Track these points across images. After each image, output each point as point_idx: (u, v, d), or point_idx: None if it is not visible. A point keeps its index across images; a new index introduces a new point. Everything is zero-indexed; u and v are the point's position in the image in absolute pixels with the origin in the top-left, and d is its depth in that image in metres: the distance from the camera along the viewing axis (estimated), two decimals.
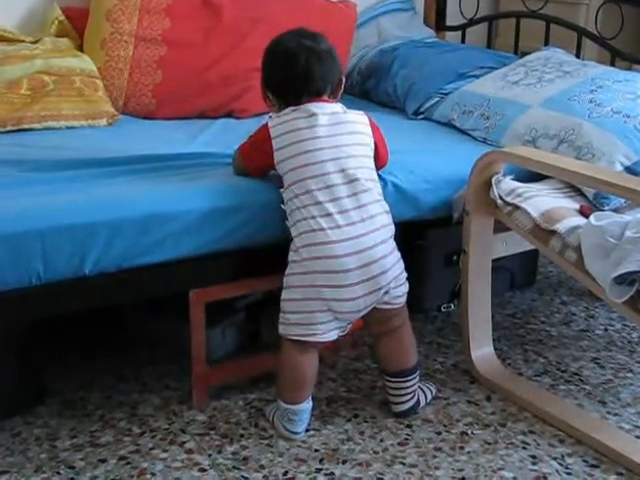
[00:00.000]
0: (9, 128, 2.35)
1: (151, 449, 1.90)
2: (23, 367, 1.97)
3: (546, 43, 3.06)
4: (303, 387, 1.94)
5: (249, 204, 1.98)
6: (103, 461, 1.85)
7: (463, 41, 3.42)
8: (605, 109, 2.33)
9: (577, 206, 2.11)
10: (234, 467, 1.84)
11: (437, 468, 1.86)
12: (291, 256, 1.90)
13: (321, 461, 1.87)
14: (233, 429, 1.98)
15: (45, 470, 1.81)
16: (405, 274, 1.97)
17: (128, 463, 1.84)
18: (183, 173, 2.06)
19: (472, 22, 3.40)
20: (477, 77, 2.80)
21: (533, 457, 1.90)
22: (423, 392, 2.08)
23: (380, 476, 1.82)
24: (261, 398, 2.10)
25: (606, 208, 2.15)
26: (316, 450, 1.91)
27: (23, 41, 2.60)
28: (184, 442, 1.92)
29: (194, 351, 1.99)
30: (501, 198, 2.10)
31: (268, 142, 1.92)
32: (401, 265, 1.96)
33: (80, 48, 2.66)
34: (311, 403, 1.96)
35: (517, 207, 2.07)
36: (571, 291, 2.80)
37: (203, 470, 1.83)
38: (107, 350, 2.31)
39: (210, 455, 1.88)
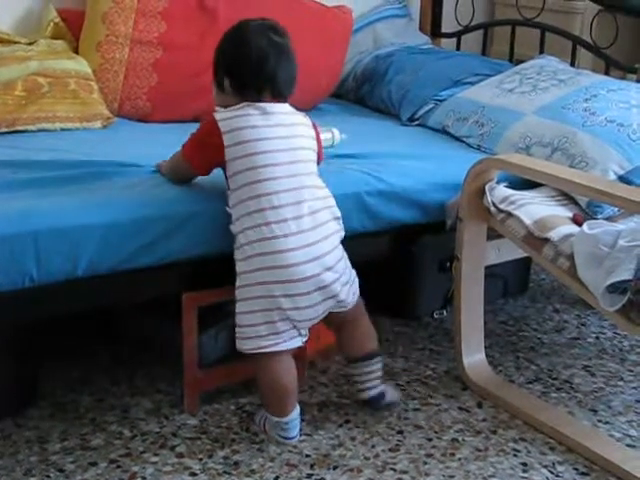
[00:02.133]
0: (3, 130, 2.34)
1: (142, 453, 1.89)
2: (16, 369, 1.96)
3: (541, 51, 3.08)
4: (288, 399, 1.91)
5: None
6: (93, 464, 1.84)
7: (458, 48, 3.44)
8: (599, 118, 2.34)
9: (570, 214, 2.12)
10: (225, 472, 1.84)
11: (428, 474, 1.86)
12: (240, 266, 1.85)
13: (312, 466, 1.87)
14: (224, 433, 1.97)
15: (35, 473, 1.80)
16: (354, 273, 1.96)
17: (119, 467, 1.84)
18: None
19: (467, 29, 3.42)
20: (472, 84, 2.82)
21: (524, 464, 1.90)
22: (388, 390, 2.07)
23: None
24: (252, 402, 2.10)
25: (599, 216, 2.15)
26: (307, 455, 1.90)
27: (18, 42, 2.59)
28: (175, 446, 1.92)
29: (186, 355, 1.99)
30: (494, 205, 2.10)
31: (217, 137, 1.84)
32: (350, 270, 1.95)
33: (76, 50, 2.66)
34: (298, 408, 1.95)
35: (510, 214, 2.08)
36: (563, 299, 2.81)
37: (194, 474, 1.82)
38: (99, 353, 2.31)
39: (201, 459, 1.88)
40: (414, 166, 2.31)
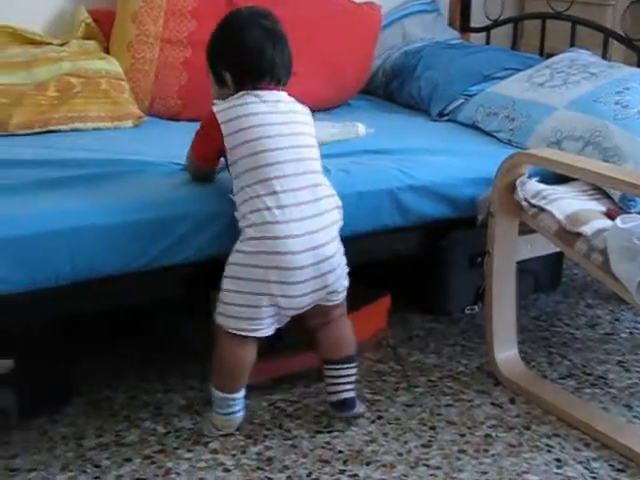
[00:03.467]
0: (37, 129, 2.37)
1: (176, 449, 1.91)
2: (51, 367, 1.99)
3: (572, 44, 3.05)
4: (242, 377, 1.90)
5: None
6: (128, 460, 1.86)
7: (488, 43, 3.41)
8: (632, 111, 2.31)
9: (603, 208, 2.10)
10: (258, 467, 1.85)
11: (461, 470, 1.85)
12: (238, 246, 1.83)
13: (345, 462, 1.87)
14: (257, 430, 1.98)
15: (72, 469, 1.82)
16: (347, 270, 1.93)
17: (153, 462, 1.85)
18: None
19: (497, 23, 3.39)
20: (502, 79, 2.80)
21: (558, 460, 1.89)
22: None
23: (404, 478, 1.82)
24: (284, 399, 2.11)
25: (632, 210, 2.14)
26: (340, 451, 1.91)
27: (51, 43, 2.62)
28: (208, 442, 1.93)
29: None
30: (526, 200, 2.09)
31: (216, 128, 1.86)
32: (344, 262, 1.92)
33: (107, 50, 2.68)
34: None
35: (542, 209, 2.06)
36: (596, 294, 2.79)
37: (227, 470, 1.83)
38: (130, 351, 2.33)
39: (234, 455, 1.89)
40: (444, 161, 2.30)
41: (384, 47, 3.12)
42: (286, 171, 1.82)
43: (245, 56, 1.90)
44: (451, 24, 3.46)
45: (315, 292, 1.86)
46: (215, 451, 1.90)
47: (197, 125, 2.53)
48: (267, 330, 1.87)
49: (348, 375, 1.98)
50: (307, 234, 1.81)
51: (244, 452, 1.90)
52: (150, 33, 2.61)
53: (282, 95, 1.93)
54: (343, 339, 1.98)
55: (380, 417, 2.05)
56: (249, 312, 1.83)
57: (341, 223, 1.92)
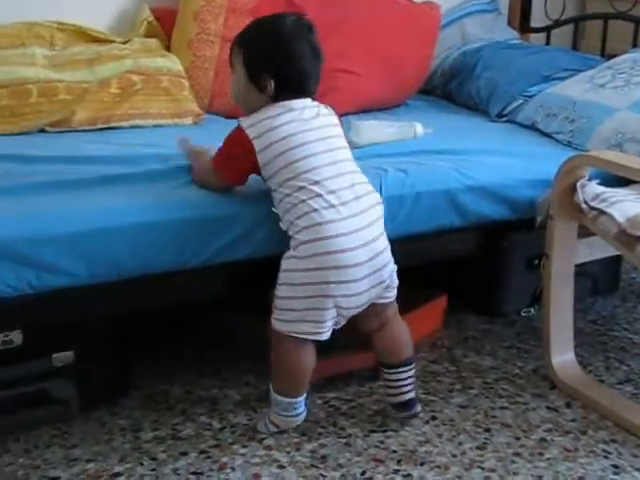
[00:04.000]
0: (99, 126, 2.41)
1: (231, 444, 1.92)
2: (111, 360, 2.02)
3: (634, 45, 3.01)
4: (304, 382, 1.91)
5: None
6: (184, 454, 1.88)
7: (548, 43, 3.38)
8: None
9: None
10: (312, 465, 1.85)
11: (516, 474, 1.84)
12: (290, 252, 1.82)
13: (399, 462, 1.87)
14: (311, 427, 1.99)
15: (129, 460, 1.85)
16: (395, 268, 1.91)
17: (208, 457, 1.87)
18: None
19: (557, 23, 3.36)
20: (562, 80, 2.77)
21: (615, 467, 1.87)
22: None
23: None
24: (339, 397, 2.11)
25: None
26: (394, 451, 1.91)
27: (114, 41, 2.66)
28: (263, 439, 1.94)
29: None
30: (586, 203, 2.07)
31: (247, 144, 1.84)
32: (392, 258, 1.90)
33: (168, 48, 2.72)
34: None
35: (602, 212, 2.04)
36: None
37: (282, 467, 1.85)
38: (186, 347, 2.35)
39: (289, 452, 1.90)
40: (503, 162, 2.29)
41: (443, 47, 3.11)
42: (325, 175, 1.81)
43: (294, 69, 1.87)
44: (511, 24, 3.44)
45: (372, 289, 1.85)
46: (269, 447, 1.91)
47: None
48: (328, 333, 1.87)
49: (408, 377, 1.98)
50: (357, 230, 1.80)
51: (298, 449, 1.91)
52: (211, 31, 2.64)
53: (307, 101, 1.91)
54: (400, 342, 1.98)
55: (434, 418, 2.04)
56: (312, 315, 1.82)
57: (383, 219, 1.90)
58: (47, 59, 2.47)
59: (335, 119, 1.95)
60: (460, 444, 1.94)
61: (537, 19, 3.43)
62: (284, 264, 1.83)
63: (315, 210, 1.79)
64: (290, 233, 1.83)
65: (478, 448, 1.93)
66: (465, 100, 2.97)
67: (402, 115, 2.74)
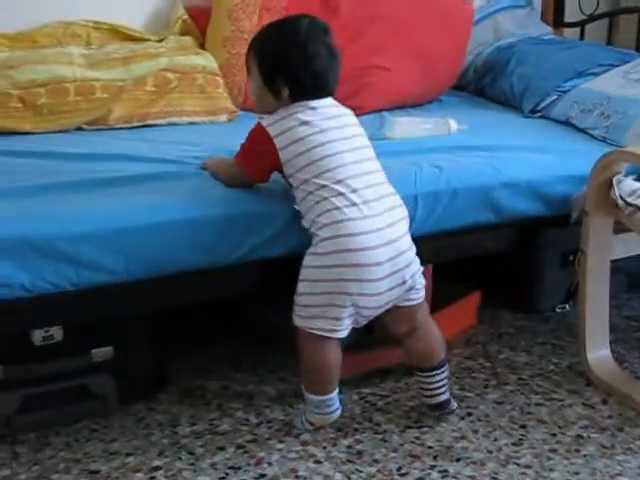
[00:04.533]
0: (135, 124, 2.44)
1: (267, 439, 1.94)
2: (149, 356, 2.04)
3: None
4: (332, 379, 1.91)
5: None
6: (222, 449, 1.90)
7: (582, 38, 3.36)
8: None
9: None
10: (348, 460, 1.87)
11: (552, 470, 1.84)
12: (311, 249, 1.82)
13: (435, 458, 1.87)
14: (347, 423, 2.00)
15: (167, 455, 1.87)
16: (422, 268, 1.90)
17: (246, 452, 1.89)
18: None
19: (592, 18, 3.34)
20: (596, 75, 2.75)
21: None
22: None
23: (495, 475, 1.82)
24: (374, 393, 2.12)
25: None
26: (430, 447, 1.91)
27: (149, 40, 2.69)
28: (299, 434, 1.95)
29: None
30: (622, 199, 2.06)
31: (268, 142, 1.83)
32: (417, 259, 1.88)
33: (202, 46, 2.74)
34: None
35: (639, 208, 2.03)
36: None
37: (318, 462, 1.86)
38: (222, 343, 2.37)
39: (325, 448, 1.91)
40: (538, 159, 2.28)
41: (476, 42, 3.09)
42: (348, 173, 1.81)
43: (308, 72, 1.84)
44: (544, 19, 3.42)
45: (393, 289, 1.84)
46: (306, 443, 1.92)
47: None
48: (345, 331, 1.86)
49: (442, 379, 1.98)
50: (379, 230, 1.79)
51: (335, 445, 1.92)
52: (245, 29, 2.66)
53: (328, 100, 1.89)
54: (433, 346, 1.97)
55: (470, 414, 2.05)
56: (330, 312, 1.82)
57: (408, 219, 1.89)
58: (84, 58, 2.50)
59: (355, 119, 1.94)
60: (496, 440, 1.94)
61: (571, 14, 3.42)
62: (305, 261, 1.84)
63: (337, 208, 1.78)
64: (312, 230, 1.83)
65: (514, 444, 1.93)
66: (498, 96, 2.95)
67: (435, 111, 2.74)
